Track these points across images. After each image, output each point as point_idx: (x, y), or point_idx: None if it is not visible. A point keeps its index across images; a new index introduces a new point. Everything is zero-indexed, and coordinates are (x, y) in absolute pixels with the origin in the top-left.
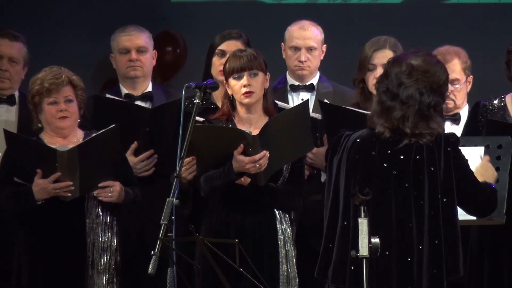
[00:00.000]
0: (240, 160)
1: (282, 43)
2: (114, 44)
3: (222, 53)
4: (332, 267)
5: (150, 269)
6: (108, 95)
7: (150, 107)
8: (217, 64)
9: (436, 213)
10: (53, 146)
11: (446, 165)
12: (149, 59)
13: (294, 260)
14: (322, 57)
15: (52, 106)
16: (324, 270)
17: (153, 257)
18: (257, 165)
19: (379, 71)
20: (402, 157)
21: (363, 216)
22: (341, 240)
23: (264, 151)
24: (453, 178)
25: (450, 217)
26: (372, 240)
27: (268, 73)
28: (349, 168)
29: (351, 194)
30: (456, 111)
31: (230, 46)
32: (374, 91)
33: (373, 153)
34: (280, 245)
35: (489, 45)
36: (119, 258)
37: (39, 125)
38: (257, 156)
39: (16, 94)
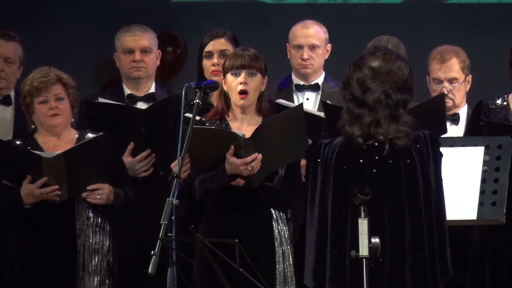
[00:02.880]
0: (232, 162)
1: (287, 44)
2: (118, 44)
3: (209, 54)
4: (329, 272)
5: (150, 269)
6: (100, 99)
7: None
8: (207, 66)
9: (430, 215)
10: (37, 152)
11: (435, 165)
12: (153, 60)
13: (291, 259)
14: (326, 57)
15: (42, 105)
16: (322, 279)
17: (153, 257)
18: (249, 167)
19: None
20: (391, 161)
21: (363, 216)
22: (332, 250)
23: (256, 154)
24: (441, 177)
25: (440, 217)
26: (372, 240)
27: (266, 77)
28: (338, 178)
29: (351, 195)
30: (455, 110)
31: (215, 45)
32: None
33: (361, 160)
34: (276, 244)
35: (489, 45)
36: (111, 259)
37: (33, 126)
38: (249, 158)
39: (12, 94)
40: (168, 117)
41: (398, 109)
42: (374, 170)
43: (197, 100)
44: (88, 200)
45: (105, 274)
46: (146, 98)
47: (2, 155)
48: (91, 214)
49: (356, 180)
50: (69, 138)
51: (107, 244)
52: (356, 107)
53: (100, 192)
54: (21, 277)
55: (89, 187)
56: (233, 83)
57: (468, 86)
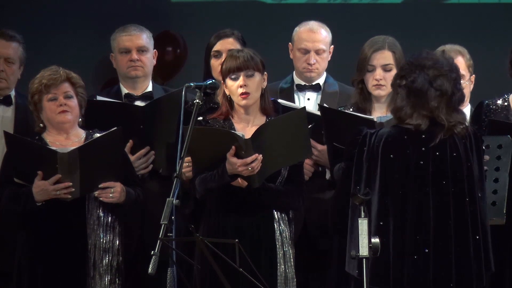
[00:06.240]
0: (233, 163)
1: (290, 43)
2: (114, 44)
3: (218, 54)
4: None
5: (150, 269)
6: (99, 97)
7: None
8: (216, 65)
9: (475, 209)
10: (53, 148)
11: (479, 161)
12: (149, 59)
13: (292, 260)
14: (329, 58)
15: (51, 102)
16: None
17: (153, 257)
18: (250, 168)
19: (378, 71)
20: (438, 153)
21: (363, 216)
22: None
23: (256, 154)
24: (484, 172)
25: (483, 213)
26: (372, 240)
27: (265, 73)
28: (385, 168)
29: (351, 194)
30: None
31: (224, 45)
32: (373, 92)
33: (408, 151)
34: (278, 245)
35: (490, 45)
36: (121, 258)
37: (41, 125)
38: (249, 159)
39: (13, 94)
40: (167, 114)
41: (456, 102)
42: (421, 162)
43: (197, 100)
44: (100, 198)
45: (115, 273)
46: (144, 97)
47: (16, 150)
48: (101, 214)
49: (402, 171)
50: (77, 138)
51: (117, 244)
52: (418, 87)
53: (112, 191)
54: (31, 277)
55: (101, 185)
56: (233, 86)
57: (472, 86)
